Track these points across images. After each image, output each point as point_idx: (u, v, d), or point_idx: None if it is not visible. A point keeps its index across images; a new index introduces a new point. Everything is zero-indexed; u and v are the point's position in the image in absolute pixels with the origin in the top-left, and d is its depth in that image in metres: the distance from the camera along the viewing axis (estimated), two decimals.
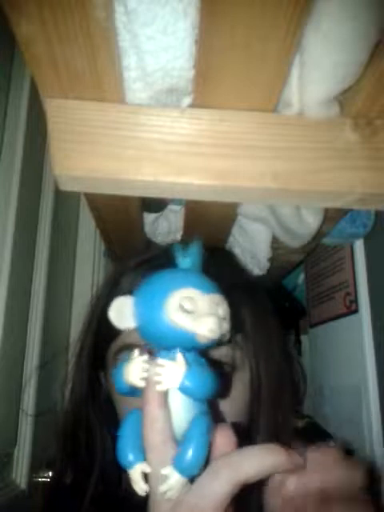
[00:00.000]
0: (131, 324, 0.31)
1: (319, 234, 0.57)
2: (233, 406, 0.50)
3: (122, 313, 0.31)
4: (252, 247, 0.63)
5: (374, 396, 0.58)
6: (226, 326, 0.31)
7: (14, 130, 0.59)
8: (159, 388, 0.30)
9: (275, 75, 0.32)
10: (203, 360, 0.33)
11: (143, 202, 0.56)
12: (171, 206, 0.62)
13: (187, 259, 0.34)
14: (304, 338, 0.94)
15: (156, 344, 0.32)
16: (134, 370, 0.31)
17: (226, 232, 0.62)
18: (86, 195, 0.52)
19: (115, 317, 0.31)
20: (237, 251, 0.65)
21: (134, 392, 0.32)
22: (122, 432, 0.32)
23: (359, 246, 0.64)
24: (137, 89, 0.34)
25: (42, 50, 0.30)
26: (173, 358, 0.31)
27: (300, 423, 0.61)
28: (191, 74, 0.32)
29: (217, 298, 0.31)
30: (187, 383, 0.30)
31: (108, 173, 0.35)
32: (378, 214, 0.58)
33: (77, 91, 0.34)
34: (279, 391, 0.53)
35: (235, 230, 0.62)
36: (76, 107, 0.34)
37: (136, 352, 0.32)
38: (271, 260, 0.64)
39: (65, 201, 0.78)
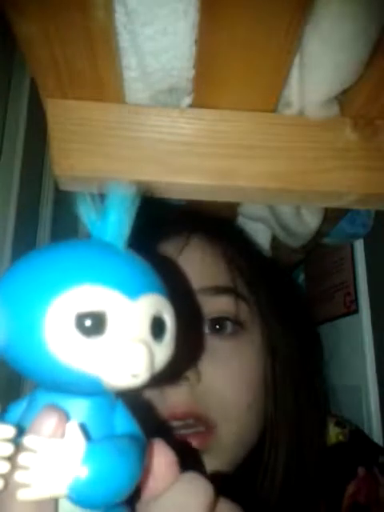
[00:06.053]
0: None
1: (319, 234, 0.57)
2: (240, 378, 0.39)
3: None
4: None
5: (374, 396, 0.58)
6: (167, 352, 0.19)
7: (14, 130, 0.59)
8: (24, 497, 0.16)
9: (275, 75, 0.32)
10: (124, 418, 0.20)
11: None
12: None
13: (107, 223, 0.19)
14: None
15: (38, 382, 0.19)
16: None
17: None
18: None
19: None
20: None
21: None
22: None
23: (359, 246, 0.63)
24: (137, 89, 0.34)
25: (42, 50, 0.30)
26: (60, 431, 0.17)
27: (341, 435, 0.45)
28: (191, 74, 0.32)
29: (153, 301, 0.18)
30: (85, 488, 0.16)
31: (108, 173, 0.35)
32: (377, 213, 0.58)
33: (77, 91, 0.34)
34: (301, 366, 0.43)
35: None
36: (76, 107, 0.34)
37: None
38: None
39: (65, 201, 0.78)
